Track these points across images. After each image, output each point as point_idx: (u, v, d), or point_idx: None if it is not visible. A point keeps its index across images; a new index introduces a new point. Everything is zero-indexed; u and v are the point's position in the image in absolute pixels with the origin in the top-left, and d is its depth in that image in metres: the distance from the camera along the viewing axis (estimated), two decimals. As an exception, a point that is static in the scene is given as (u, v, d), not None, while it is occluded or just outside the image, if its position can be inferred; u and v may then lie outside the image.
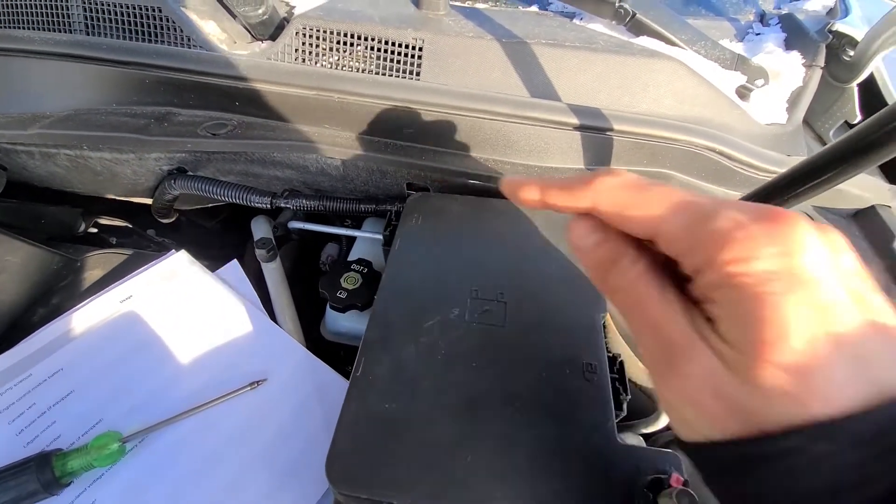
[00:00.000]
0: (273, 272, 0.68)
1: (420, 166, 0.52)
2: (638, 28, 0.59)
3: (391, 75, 0.52)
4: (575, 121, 0.51)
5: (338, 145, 0.54)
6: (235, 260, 0.69)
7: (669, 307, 0.21)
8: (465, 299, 0.41)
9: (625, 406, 0.36)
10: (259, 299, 0.63)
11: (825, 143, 0.71)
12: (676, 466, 0.30)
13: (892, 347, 0.18)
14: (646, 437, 0.44)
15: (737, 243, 0.18)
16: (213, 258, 0.69)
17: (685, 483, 0.28)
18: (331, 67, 0.52)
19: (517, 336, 0.38)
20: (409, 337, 0.38)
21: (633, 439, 0.42)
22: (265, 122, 0.56)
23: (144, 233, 0.96)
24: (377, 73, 0.52)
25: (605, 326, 0.50)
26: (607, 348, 0.39)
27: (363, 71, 0.53)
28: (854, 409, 0.17)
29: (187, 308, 0.62)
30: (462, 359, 0.36)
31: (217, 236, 0.98)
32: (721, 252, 0.18)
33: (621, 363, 0.38)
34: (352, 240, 0.69)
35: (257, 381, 0.54)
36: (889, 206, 0.54)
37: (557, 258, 0.45)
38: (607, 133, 0.52)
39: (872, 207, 0.54)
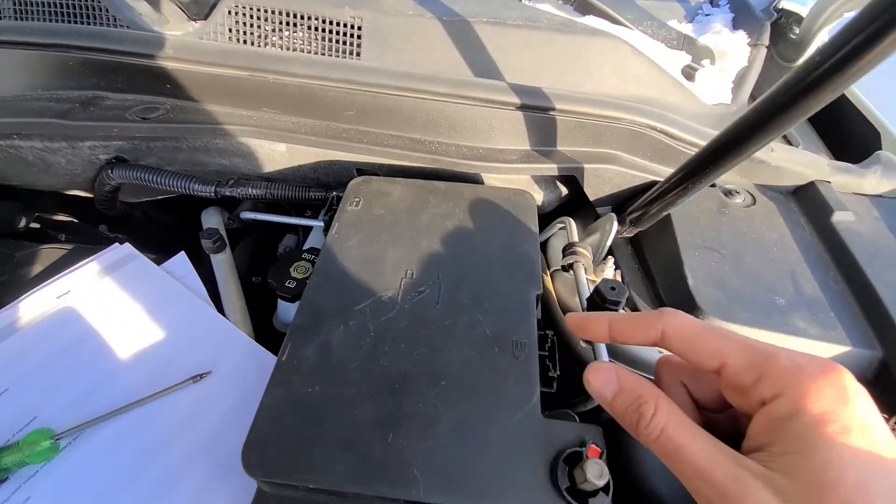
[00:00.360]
0: (221, 263, 0.66)
1: (361, 149, 0.51)
2: (584, 7, 0.58)
3: (329, 55, 0.51)
4: (517, 100, 0.50)
5: (276, 129, 0.52)
6: (183, 252, 0.67)
7: (712, 449, 0.22)
8: (399, 281, 0.40)
9: (555, 384, 0.36)
10: (206, 292, 0.62)
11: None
12: (596, 438, 0.30)
13: None
14: (587, 414, 0.44)
15: (804, 380, 0.21)
16: (171, 254, 0.66)
17: (601, 454, 0.28)
18: (265, 47, 0.50)
19: (449, 316, 0.38)
20: (338, 321, 0.37)
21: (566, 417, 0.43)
22: (199, 105, 0.54)
23: (96, 228, 0.93)
24: (314, 53, 0.50)
25: (548, 304, 0.50)
26: (540, 326, 0.39)
27: (300, 51, 0.51)
28: None
29: (129, 301, 0.59)
30: (391, 340, 0.36)
31: (175, 231, 0.95)
32: (790, 384, 0.21)
33: (553, 340, 0.38)
34: (309, 230, 0.68)
35: (200, 375, 0.52)
36: (828, 182, 0.55)
37: (497, 239, 0.45)
38: (550, 113, 0.52)
39: (812, 183, 0.55)
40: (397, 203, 0.48)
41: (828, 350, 0.42)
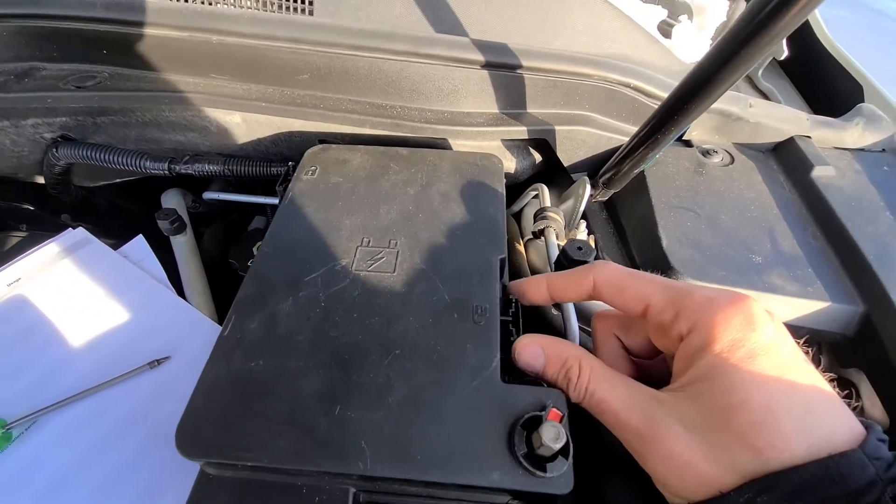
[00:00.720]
0: (181, 246, 0.62)
1: (317, 115, 0.48)
2: (553, -40, 0.55)
3: (278, 11, 0.47)
4: (482, 58, 0.47)
5: (226, 96, 0.49)
6: (140, 235, 0.64)
7: (630, 396, 0.23)
8: (354, 249, 0.38)
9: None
10: (166, 275, 0.59)
11: (753, 83, 0.70)
12: (558, 402, 0.28)
13: (831, 402, 0.21)
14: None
15: (714, 311, 0.22)
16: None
17: (562, 418, 0.26)
18: (205, 4, 0.47)
19: (406, 284, 0.35)
20: (287, 292, 0.35)
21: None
22: (141, 73, 0.50)
23: (58, 218, 0.89)
24: (261, 9, 0.47)
25: (520, 274, 0.48)
26: (505, 291, 0.37)
27: (245, 7, 0.47)
28: (796, 460, 0.19)
29: (83, 287, 0.56)
30: (343, 311, 0.33)
31: (141, 219, 0.91)
32: (702, 317, 0.22)
33: (518, 305, 0.35)
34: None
35: (157, 360, 0.50)
36: (808, 137, 0.53)
37: (461, 204, 0.42)
38: (518, 71, 0.49)
39: (791, 139, 0.53)
40: (356, 170, 0.46)
41: (807, 306, 0.41)
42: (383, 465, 0.26)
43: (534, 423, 0.27)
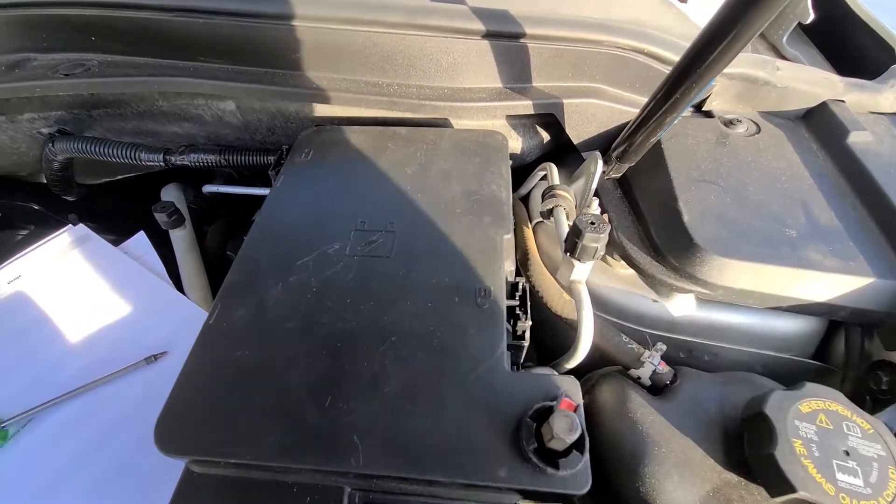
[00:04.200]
0: (180, 240, 0.61)
1: (311, 96, 0.46)
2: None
3: (266, -11, 0.44)
4: (481, 27, 0.44)
5: (217, 79, 0.47)
6: (142, 231, 0.63)
7: None
8: (349, 232, 0.35)
9: (526, 333, 0.31)
10: (165, 270, 0.58)
11: (778, 51, 0.65)
12: (572, 390, 0.25)
13: None
14: (572, 374, 0.39)
15: None
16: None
17: (577, 408, 0.23)
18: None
19: (403, 266, 0.33)
20: (276, 277, 0.33)
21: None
22: (130, 59, 0.49)
23: (64, 217, 0.89)
24: (248, -12, 0.44)
25: (527, 259, 0.45)
26: (519, 273, 0.34)
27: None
28: None
29: (83, 283, 0.55)
30: (336, 296, 0.31)
31: (147, 217, 0.91)
32: None
33: (525, 288, 0.32)
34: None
35: (155, 356, 0.48)
36: (843, 101, 0.48)
37: (462, 183, 0.39)
38: (522, 40, 0.46)
39: (824, 104, 0.48)
40: (352, 152, 0.43)
41: (849, 283, 0.37)
42: (377, 462, 0.23)
43: (544, 415, 0.24)
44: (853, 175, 0.42)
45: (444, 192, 0.38)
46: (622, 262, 0.45)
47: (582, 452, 0.22)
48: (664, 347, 0.39)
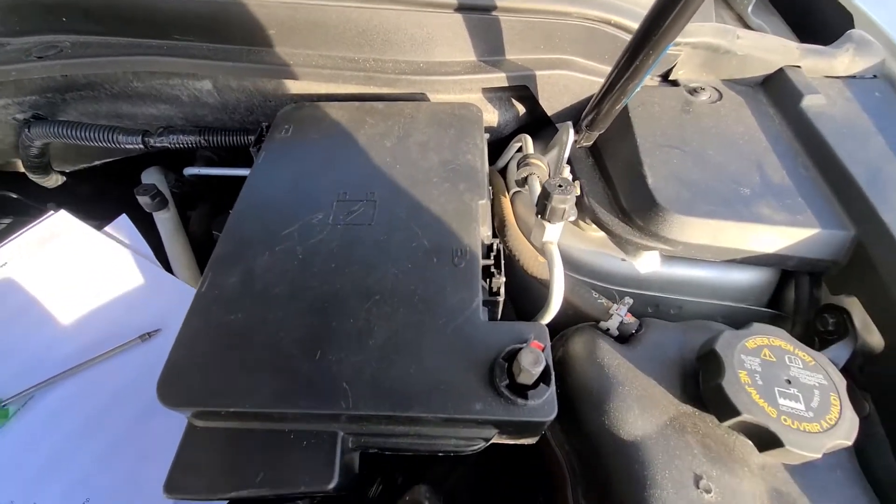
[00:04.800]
0: (165, 222, 0.62)
1: (287, 73, 0.46)
2: None
3: (237, -35, 0.45)
4: (454, 0, 0.45)
5: (192, 58, 0.47)
6: (124, 214, 0.63)
7: None
8: (331, 203, 0.37)
9: (501, 289, 0.33)
10: (152, 251, 0.58)
11: (744, 21, 0.67)
12: (539, 335, 0.28)
13: None
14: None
15: None
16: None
17: (544, 349, 0.26)
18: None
19: (385, 232, 0.35)
20: (263, 247, 0.34)
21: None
22: (102, 39, 0.48)
23: (43, 205, 0.88)
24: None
25: (504, 226, 0.47)
26: (495, 235, 0.36)
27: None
28: None
29: (71, 267, 0.56)
30: (321, 262, 0.33)
31: (126, 202, 0.90)
32: None
33: (500, 248, 0.35)
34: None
35: (149, 333, 0.50)
36: (798, 66, 0.51)
37: (439, 153, 0.41)
38: (493, 13, 0.47)
39: (781, 70, 0.51)
40: (331, 126, 0.44)
41: (796, 234, 0.40)
42: (366, 403, 0.26)
43: (515, 355, 0.26)
44: (806, 137, 0.45)
45: (422, 163, 0.40)
46: (593, 225, 0.47)
47: (548, 384, 0.25)
48: (631, 301, 0.42)
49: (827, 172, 0.43)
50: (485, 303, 0.30)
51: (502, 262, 0.34)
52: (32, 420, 0.45)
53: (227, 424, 0.29)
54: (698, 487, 0.31)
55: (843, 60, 0.51)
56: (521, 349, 0.26)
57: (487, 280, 0.33)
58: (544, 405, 0.25)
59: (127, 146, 0.55)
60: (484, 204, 0.37)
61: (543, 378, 0.25)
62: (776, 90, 0.50)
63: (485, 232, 0.36)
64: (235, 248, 0.35)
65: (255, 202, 0.38)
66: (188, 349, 0.29)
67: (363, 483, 0.64)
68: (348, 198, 0.37)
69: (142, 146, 0.55)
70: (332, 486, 0.26)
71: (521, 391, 0.25)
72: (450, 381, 0.27)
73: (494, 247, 0.35)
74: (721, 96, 0.51)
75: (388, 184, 0.39)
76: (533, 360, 0.23)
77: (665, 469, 0.32)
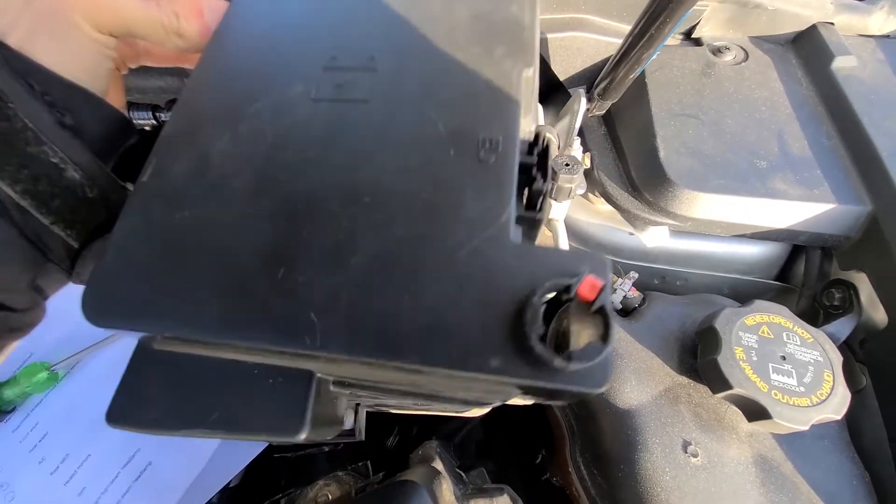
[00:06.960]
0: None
1: None
2: None
3: None
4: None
5: None
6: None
7: None
8: (316, 71, 0.27)
9: (546, 202, 0.25)
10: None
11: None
12: (598, 268, 0.18)
13: None
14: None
15: None
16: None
17: (602, 289, 0.16)
18: None
19: (385, 113, 0.24)
20: (223, 126, 0.25)
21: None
22: None
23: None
24: None
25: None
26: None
27: None
28: None
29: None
30: (296, 149, 0.24)
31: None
32: None
33: (547, 141, 0.26)
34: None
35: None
36: (832, 24, 0.48)
37: (469, 3, 0.30)
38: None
39: (813, 27, 0.48)
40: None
41: (810, 210, 0.38)
42: (337, 343, 0.18)
43: (557, 300, 0.19)
44: (832, 102, 0.43)
45: (444, 16, 0.28)
46: (602, 198, 0.44)
47: (606, 342, 0.17)
48: (636, 275, 0.41)
49: (849, 142, 0.41)
50: (519, 219, 0.22)
51: (548, 164, 0.26)
52: (81, 382, 0.48)
53: (180, 349, 0.21)
54: (686, 452, 0.33)
55: (878, 18, 0.49)
56: (569, 288, 0.17)
57: (526, 187, 0.25)
58: (595, 370, 0.16)
59: (140, 122, 0.54)
60: (530, 77, 0.26)
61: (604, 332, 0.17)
62: (807, 49, 0.47)
63: (527, 119, 0.26)
64: (188, 126, 0.25)
65: (216, 68, 0.28)
66: (120, 254, 0.21)
67: (381, 433, 0.59)
68: (339, 64, 0.26)
69: (154, 121, 0.54)
70: (301, 436, 0.19)
71: (561, 348, 0.17)
72: (460, 323, 0.18)
73: (541, 140, 0.25)
74: (747, 56, 0.48)
75: (394, 45, 0.27)
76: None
77: (656, 435, 0.34)
